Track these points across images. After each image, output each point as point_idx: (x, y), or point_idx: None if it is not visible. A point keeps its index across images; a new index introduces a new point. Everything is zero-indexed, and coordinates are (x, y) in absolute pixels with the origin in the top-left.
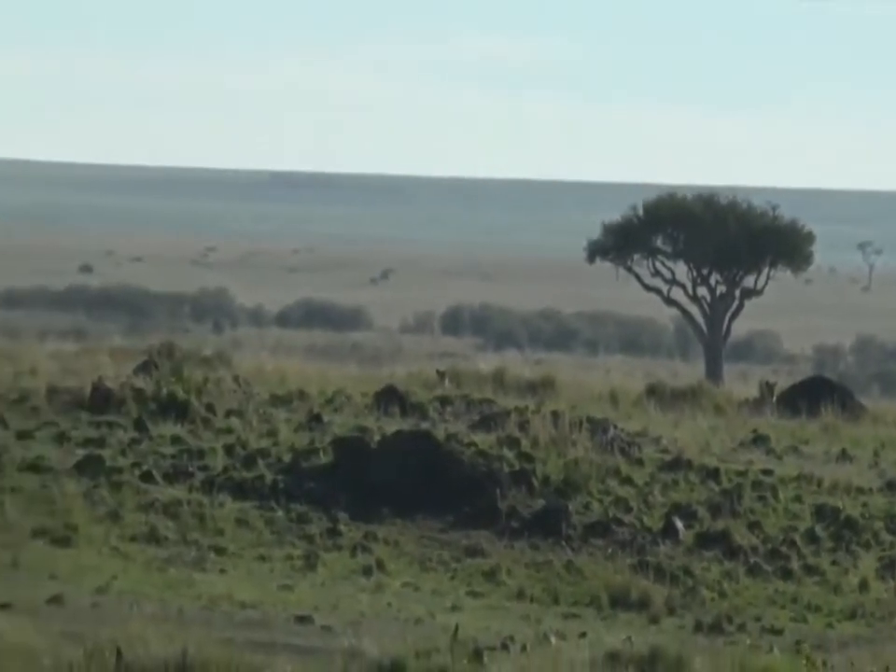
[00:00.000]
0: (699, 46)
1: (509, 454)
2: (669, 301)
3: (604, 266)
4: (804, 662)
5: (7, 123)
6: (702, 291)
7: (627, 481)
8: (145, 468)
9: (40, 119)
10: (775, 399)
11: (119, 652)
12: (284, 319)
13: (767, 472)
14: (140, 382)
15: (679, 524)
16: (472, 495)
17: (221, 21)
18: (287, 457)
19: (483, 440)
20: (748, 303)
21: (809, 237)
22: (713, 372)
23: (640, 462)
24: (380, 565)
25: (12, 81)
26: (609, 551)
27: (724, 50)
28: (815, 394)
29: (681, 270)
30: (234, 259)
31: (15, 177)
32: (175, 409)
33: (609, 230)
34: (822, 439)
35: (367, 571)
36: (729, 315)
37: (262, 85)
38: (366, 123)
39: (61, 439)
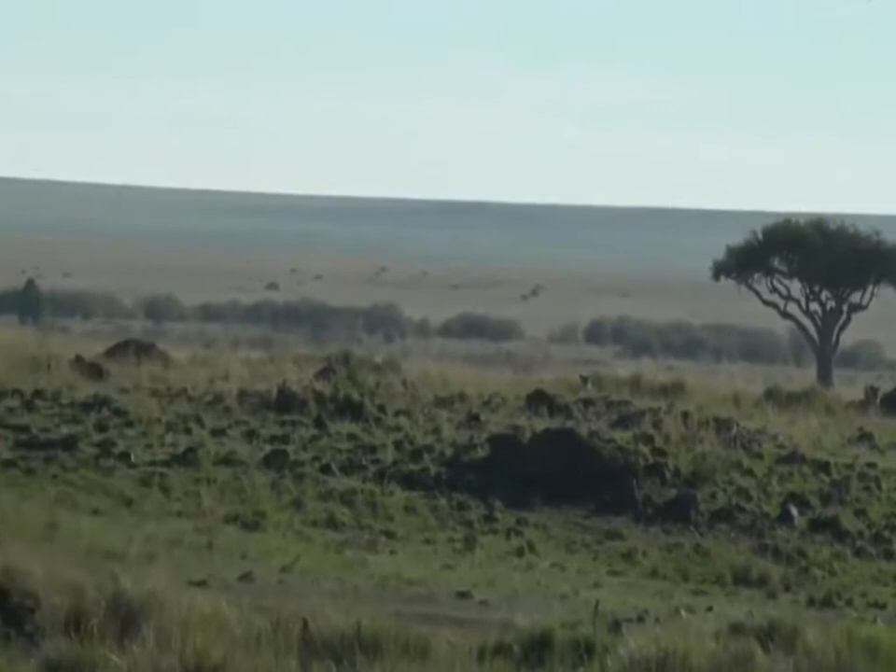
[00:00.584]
0: (811, 78)
1: (644, 449)
2: (785, 315)
3: (727, 284)
4: None
5: (209, 159)
6: (814, 306)
7: (748, 473)
8: (324, 461)
9: (241, 155)
10: (878, 401)
11: (303, 623)
12: (446, 331)
13: (872, 465)
14: (320, 385)
15: (794, 511)
16: (612, 485)
17: (390, 58)
18: (448, 452)
19: (621, 436)
20: (854, 317)
21: None
22: (824, 378)
23: (760, 456)
24: (531, 547)
25: (213, 120)
26: (733, 534)
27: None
28: None
29: (796, 287)
30: (403, 278)
31: (213, 206)
32: (350, 409)
33: (732, 252)
34: None
35: (519, 552)
36: (838, 327)
37: (426, 121)
38: (514, 156)
39: (250, 436)
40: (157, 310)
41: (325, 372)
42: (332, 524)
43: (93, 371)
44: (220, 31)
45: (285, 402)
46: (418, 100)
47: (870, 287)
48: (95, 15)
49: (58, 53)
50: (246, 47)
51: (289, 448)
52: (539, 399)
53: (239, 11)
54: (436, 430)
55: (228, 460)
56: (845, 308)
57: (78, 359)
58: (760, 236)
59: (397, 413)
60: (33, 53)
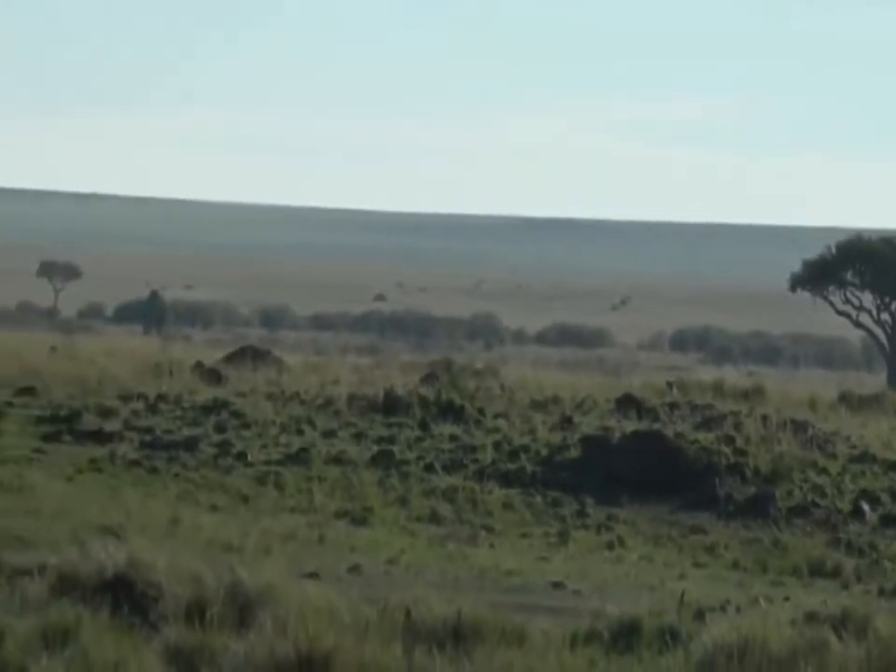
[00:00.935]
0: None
1: (726, 449)
2: (858, 325)
3: (803, 295)
4: None
5: (321, 178)
6: (884, 316)
7: (823, 471)
8: (427, 460)
9: (350, 174)
10: None
11: (407, 612)
12: (541, 339)
13: None
14: (424, 390)
15: (866, 507)
16: (695, 483)
17: (488, 81)
18: (543, 452)
19: (704, 438)
20: None
21: None
22: (894, 382)
23: (834, 456)
24: (620, 541)
25: (325, 143)
26: (808, 529)
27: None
28: None
29: (867, 298)
30: (501, 290)
31: (325, 222)
32: (452, 412)
33: (808, 265)
34: None
35: (609, 546)
36: None
37: (522, 143)
38: (603, 176)
39: (359, 437)
40: (272, 319)
41: (428, 378)
42: (435, 519)
43: (213, 376)
44: (353, 62)
45: (391, 406)
46: (517, 125)
47: None
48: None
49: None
50: (352, 73)
51: (395, 448)
52: (627, 403)
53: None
54: (532, 432)
55: (338, 459)
56: None
57: (199, 365)
58: (833, 251)
59: (495, 416)
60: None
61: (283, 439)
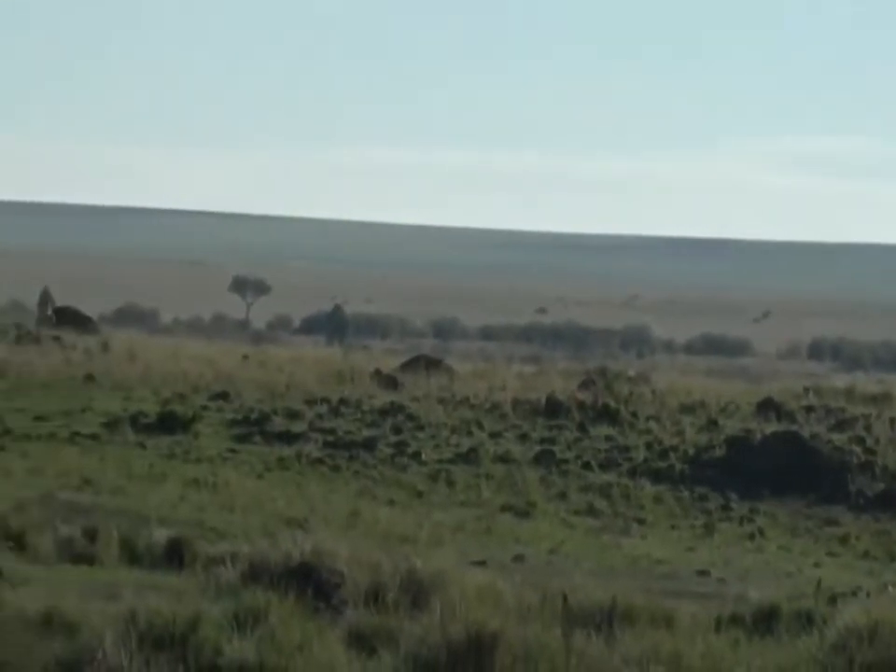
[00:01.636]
0: None
1: (857, 449)
2: None
3: None
4: None
5: (492, 202)
6: None
7: None
8: (585, 459)
9: (515, 198)
10: None
11: (565, 598)
12: (689, 348)
13: None
14: (582, 395)
15: None
16: (829, 479)
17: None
18: (691, 451)
19: (837, 438)
20: None
21: None
22: None
23: None
24: (761, 532)
25: (499, 169)
26: None
27: None
28: None
29: None
30: (653, 303)
31: (493, 241)
32: (607, 415)
33: None
34: None
35: (751, 537)
36: None
37: (671, 170)
38: (750, 200)
39: (523, 438)
40: (444, 330)
41: (586, 384)
42: (592, 512)
43: (390, 382)
44: (464, 94)
45: (552, 409)
46: (669, 157)
47: None
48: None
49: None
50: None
51: (556, 448)
52: (767, 407)
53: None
54: (680, 433)
55: (504, 458)
56: None
57: (377, 373)
58: None
59: (647, 419)
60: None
61: (453, 439)
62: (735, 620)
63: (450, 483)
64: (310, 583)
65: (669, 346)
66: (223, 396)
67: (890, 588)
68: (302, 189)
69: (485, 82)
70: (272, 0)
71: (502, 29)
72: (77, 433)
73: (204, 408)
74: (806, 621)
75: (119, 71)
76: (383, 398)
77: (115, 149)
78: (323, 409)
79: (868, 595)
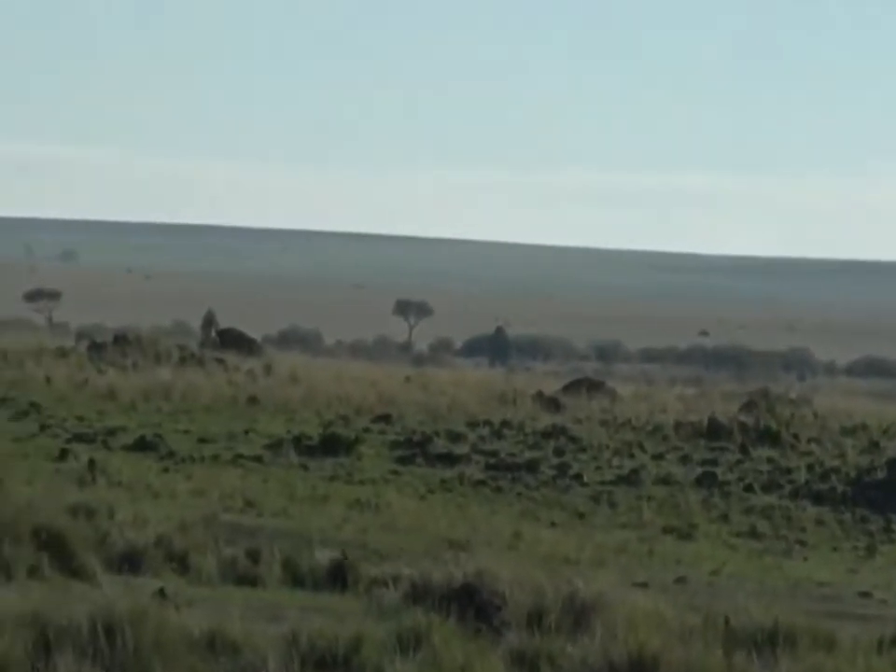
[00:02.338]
0: None
1: None
2: None
3: None
4: None
5: (655, 225)
6: None
7: None
8: (747, 481)
9: (677, 222)
10: None
11: (727, 619)
12: (851, 371)
13: None
14: (744, 417)
15: None
16: None
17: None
18: (852, 473)
19: None
20: None
21: None
22: None
23: None
24: None
25: (642, 194)
26: None
27: None
28: None
29: None
30: (814, 326)
31: (653, 265)
32: (769, 437)
33: None
34: None
35: None
36: None
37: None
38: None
39: (684, 460)
40: (606, 353)
41: (747, 406)
42: (754, 534)
43: (552, 404)
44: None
45: (714, 431)
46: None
47: None
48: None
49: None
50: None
51: (718, 470)
52: None
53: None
54: (842, 455)
55: (665, 480)
56: None
57: (539, 395)
58: None
59: (808, 441)
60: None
61: (615, 461)
62: None
63: (612, 505)
64: (472, 605)
65: (830, 369)
66: (385, 418)
67: None
68: (462, 210)
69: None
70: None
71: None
72: (241, 455)
73: (367, 430)
74: None
75: (294, 92)
76: (545, 420)
77: (279, 172)
78: (485, 431)
79: None
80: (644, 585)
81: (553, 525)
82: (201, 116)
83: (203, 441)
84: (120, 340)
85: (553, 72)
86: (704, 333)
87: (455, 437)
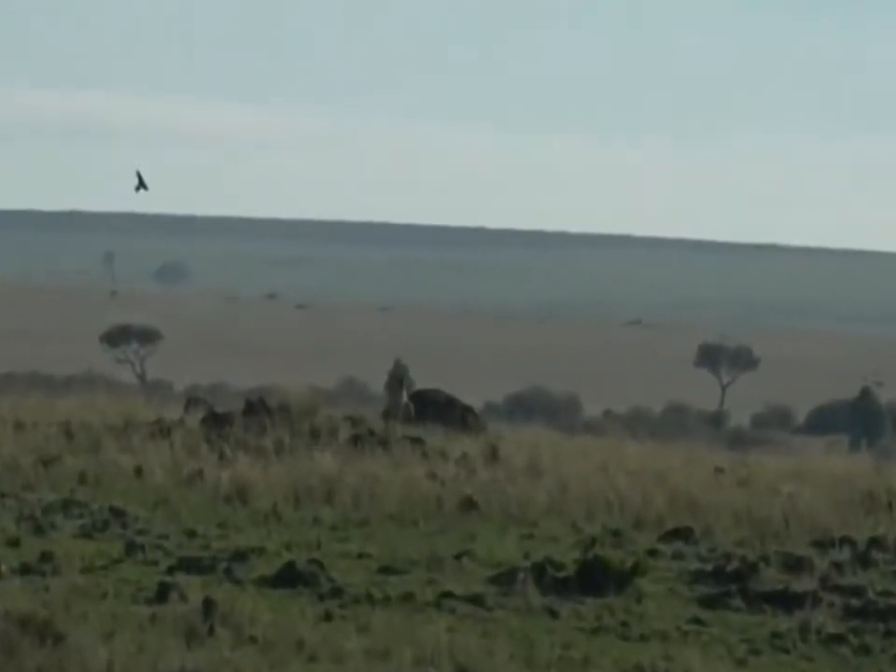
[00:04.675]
0: None
1: None
2: None
3: None
4: None
5: None
6: None
7: None
8: None
9: None
10: None
11: None
12: None
13: None
14: None
15: None
16: None
17: None
18: None
19: None
20: None
21: None
22: None
23: None
24: None
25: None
26: None
27: None
28: None
29: None
30: None
31: None
32: None
33: None
34: None
35: None
36: None
37: None
38: None
39: None
40: None
41: None
42: None
43: None
44: None
45: None
46: None
47: None
48: None
49: None
50: None
51: None
52: None
53: None
54: None
55: None
56: None
57: None
58: None
59: None
60: None
61: None
62: None
63: None
64: None
65: None
66: (683, 533)
67: None
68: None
69: None
70: None
71: None
72: (449, 594)
73: (652, 553)
74: None
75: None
76: None
77: None
78: (843, 555)
79: None
80: None
81: None
82: None
83: (387, 570)
84: (255, 408)
85: None
86: None
87: (795, 564)
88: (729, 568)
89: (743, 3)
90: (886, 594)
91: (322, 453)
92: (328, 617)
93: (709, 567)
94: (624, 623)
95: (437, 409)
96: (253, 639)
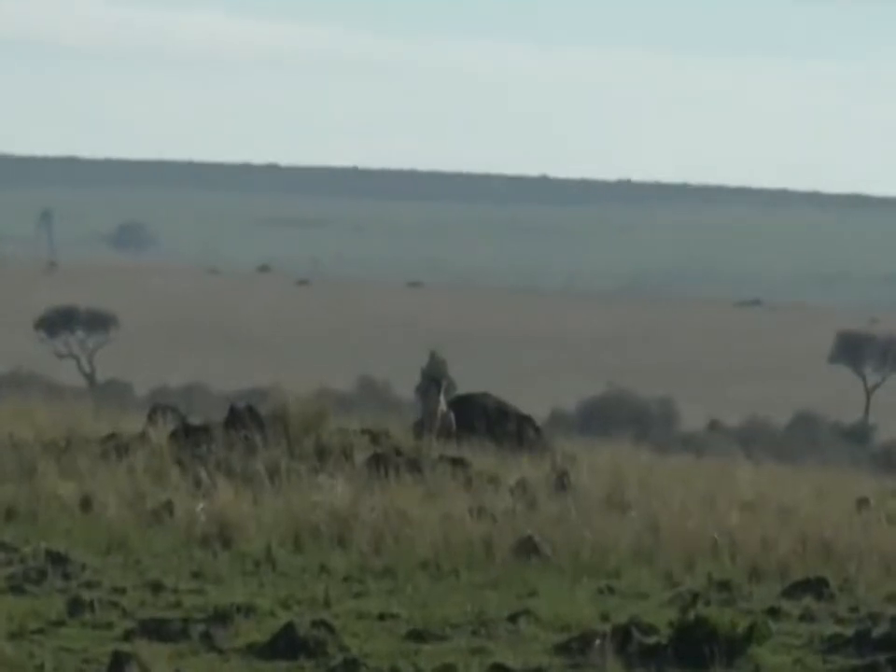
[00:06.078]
0: None
1: None
2: None
3: None
4: None
5: None
6: None
7: None
8: None
9: None
10: None
11: None
12: None
13: None
14: None
15: None
16: None
17: None
18: None
19: None
20: None
21: None
22: None
23: None
24: None
25: None
26: None
27: None
28: None
29: None
30: None
31: None
32: None
33: None
34: None
35: None
36: None
37: None
38: None
39: None
40: None
41: None
42: None
43: None
44: None
45: None
46: None
47: None
48: None
49: None
50: None
51: None
52: None
53: None
54: None
55: None
56: None
57: None
58: None
59: None
60: None
61: None
62: None
63: None
64: None
65: None
66: (814, 586)
67: None
68: None
69: None
70: None
71: None
72: (499, 666)
73: (774, 612)
74: None
75: None
76: None
77: None
78: None
79: None
80: None
81: None
82: None
83: (418, 637)
84: (243, 418)
85: None
86: None
87: None
88: (876, 633)
89: None
90: None
91: (331, 479)
92: None
93: (850, 632)
94: None
95: (485, 420)
96: None
